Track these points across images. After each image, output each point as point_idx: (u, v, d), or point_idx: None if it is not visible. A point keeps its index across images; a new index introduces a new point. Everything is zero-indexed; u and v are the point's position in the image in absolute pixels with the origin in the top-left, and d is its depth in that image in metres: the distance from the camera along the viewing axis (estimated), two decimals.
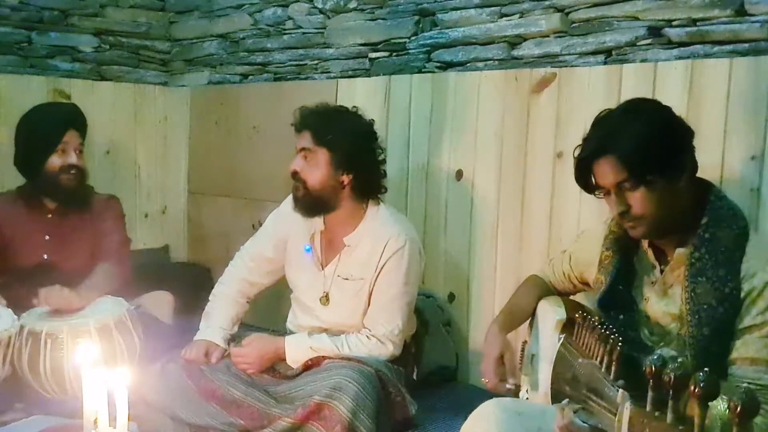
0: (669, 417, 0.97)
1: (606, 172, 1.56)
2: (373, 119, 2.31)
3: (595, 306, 1.77)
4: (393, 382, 2.12)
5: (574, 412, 1.43)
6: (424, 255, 2.34)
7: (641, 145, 1.52)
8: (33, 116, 2.65)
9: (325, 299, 2.28)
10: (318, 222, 2.29)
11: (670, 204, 1.56)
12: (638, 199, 1.54)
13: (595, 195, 1.66)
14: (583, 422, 1.40)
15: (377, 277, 2.21)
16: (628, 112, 1.61)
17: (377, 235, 2.22)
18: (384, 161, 2.31)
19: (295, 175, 2.21)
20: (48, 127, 2.61)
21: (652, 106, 1.64)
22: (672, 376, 0.96)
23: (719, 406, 1.08)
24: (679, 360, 1.00)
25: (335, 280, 2.27)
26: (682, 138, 1.58)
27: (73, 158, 2.59)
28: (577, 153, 1.65)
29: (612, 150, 1.54)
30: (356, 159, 2.19)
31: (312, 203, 2.22)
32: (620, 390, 1.23)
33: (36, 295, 2.33)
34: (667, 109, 1.62)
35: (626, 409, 1.10)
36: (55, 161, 2.57)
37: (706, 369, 0.93)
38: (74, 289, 2.35)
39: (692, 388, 0.92)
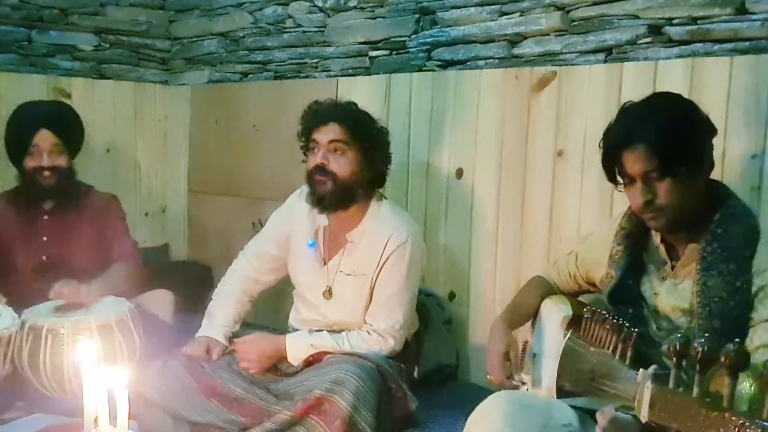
0: (695, 391, 0.98)
1: (636, 160, 1.57)
2: None
3: (605, 300, 1.79)
4: (394, 377, 2.13)
5: (615, 410, 1.43)
6: (426, 251, 2.34)
7: (673, 136, 1.55)
8: (12, 116, 2.64)
9: (328, 293, 2.29)
10: (322, 217, 2.30)
11: (690, 197, 1.58)
12: (664, 190, 1.56)
13: (616, 186, 1.68)
14: (626, 414, 1.40)
15: (379, 272, 2.22)
16: (658, 104, 1.64)
17: (379, 231, 2.23)
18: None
19: (321, 169, 2.19)
20: (19, 128, 2.58)
21: (680, 99, 1.67)
22: (700, 351, 0.97)
23: (744, 383, 1.09)
24: (706, 334, 1.02)
25: (338, 276, 2.28)
26: (708, 133, 1.61)
27: (44, 160, 2.54)
28: (604, 142, 1.67)
29: (643, 139, 1.56)
30: (383, 155, 2.27)
31: (341, 196, 2.21)
32: (641, 370, 1.22)
33: (38, 296, 2.34)
34: (693, 103, 1.65)
35: (647, 389, 1.10)
36: (29, 163, 2.55)
37: (736, 340, 0.94)
38: (86, 284, 2.38)
39: (723, 359, 0.93)
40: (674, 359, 1.03)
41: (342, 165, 2.19)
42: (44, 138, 2.55)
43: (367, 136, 2.22)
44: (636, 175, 1.59)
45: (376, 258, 2.22)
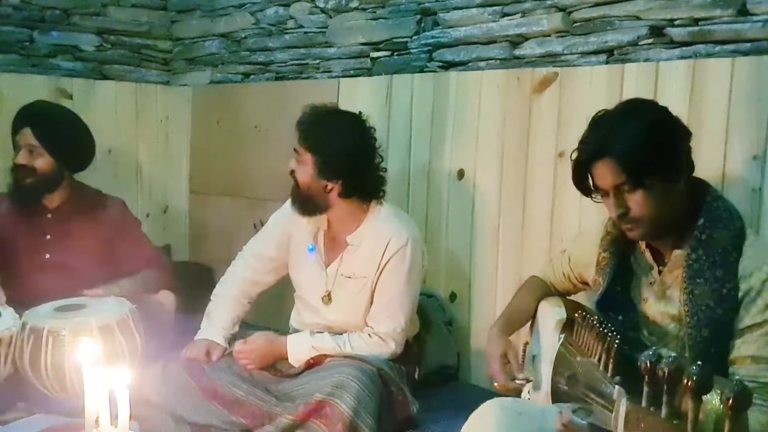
0: (664, 411, 0.98)
1: (604, 174, 1.56)
2: (373, 127, 2.27)
3: (593, 307, 1.77)
4: (395, 380, 2.13)
5: (573, 412, 1.43)
6: (426, 254, 2.34)
7: (640, 147, 1.52)
8: None
9: (328, 298, 2.29)
10: (321, 221, 2.30)
11: (668, 205, 1.56)
12: (637, 201, 1.55)
13: (592, 198, 1.66)
14: (582, 420, 1.41)
15: (380, 275, 2.22)
16: (626, 114, 1.60)
17: (379, 234, 2.22)
18: (379, 165, 2.27)
19: (291, 173, 2.24)
20: (12, 124, 2.61)
21: (649, 107, 1.64)
22: (666, 371, 0.97)
23: (713, 400, 1.09)
24: (673, 355, 1.01)
25: (338, 279, 2.27)
26: (680, 139, 1.58)
27: (19, 158, 2.55)
28: (574, 156, 1.64)
29: (610, 152, 1.54)
30: (341, 167, 2.16)
31: (303, 202, 2.24)
32: (617, 386, 1.23)
33: (40, 295, 2.35)
34: (665, 110, 1.61)
35: (622, 405, 1.11)
36: (14, 159, 2.58)
37: (699, 363, 0.94)
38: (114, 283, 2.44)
39: (685, 381, 0.92)
40: (645, 377, 1.02)
41: (299, 173, 2.21)
42: (25, 137, 2.55)
43: (320, 148, 2.15)
44: (606, 188, 1.57)
45: (376, 261, 2.21)
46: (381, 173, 2.28)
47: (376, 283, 2.23)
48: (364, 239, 2.24)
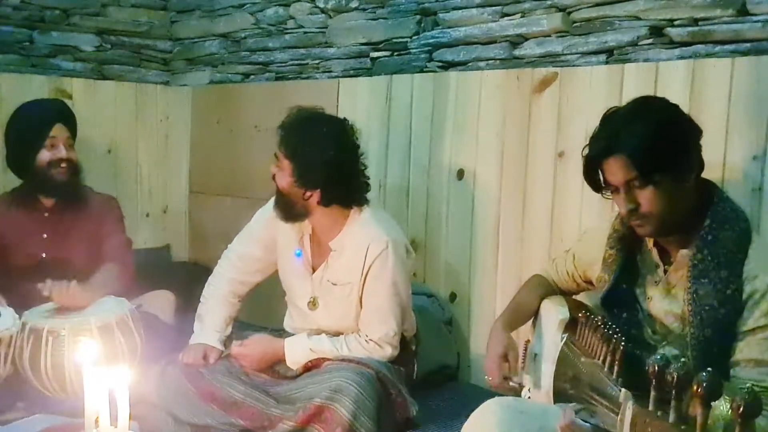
0: (671, 417, 0.98)
1: (615, 170, 1.57)
2: (356, 134, 2.22)
3: (598, 304, 1.77)
4: (393, 382, 2.12)
5: (576, 413, 1.43)
6: (412, 252, 2.31)
7: (650, 144, 1.53)
8: (20, 113, 2.68)
9: (313, 304, 2.28)
10: (305, 226, 2.27)
11: (677, 203, 1.56)
12: (647, 198, 1.55)
13: (602, 194, 1.67)
14: (585, 422, 1.41)
15: (364, 281, 2.19)
16: (637, 110, 1.61)
17: (359, 239, 2.18)
18: (362, 172, 2.23)
19: (273, 178, 2.21)
20: (35, 122, 2.63)
21: (660, 104, 1.65)
22: (675, 376, 0.96)
23: (722, 406, 1.09)
24: (682, 359, 1.01)
25: (324, 285, 2.25)
26: (691, 136, 1.59)
27: (62, 152, 2.59)
28: (585, 151, 1.65)
29: (621, 149, 1.54)
30: (319, 177, 2.11)
31: (284, 208, 2.21)
32: (623, 389, 1.23)
33: (38, 291, 2.34)
34: (676, 107, 1.63)
35: (629, 409, 1.10)
36: (44, 156, 2.58)
37: (709, 369, 0.93)
38: (82, 285, 2.35)
39: (695, 388, 0.92)
40: (653, 381, 1.02)
41: (279, 177, 2.18)
42: (61, 131, 2.62)
43: (298, 157, 2.11)
44: (617, 184, 1.58)
45: (359, 266, 2.18)
46: (363, 179, 2.24)
47: (362, 289, 2.20)
48: (345, 244, 2.21)
